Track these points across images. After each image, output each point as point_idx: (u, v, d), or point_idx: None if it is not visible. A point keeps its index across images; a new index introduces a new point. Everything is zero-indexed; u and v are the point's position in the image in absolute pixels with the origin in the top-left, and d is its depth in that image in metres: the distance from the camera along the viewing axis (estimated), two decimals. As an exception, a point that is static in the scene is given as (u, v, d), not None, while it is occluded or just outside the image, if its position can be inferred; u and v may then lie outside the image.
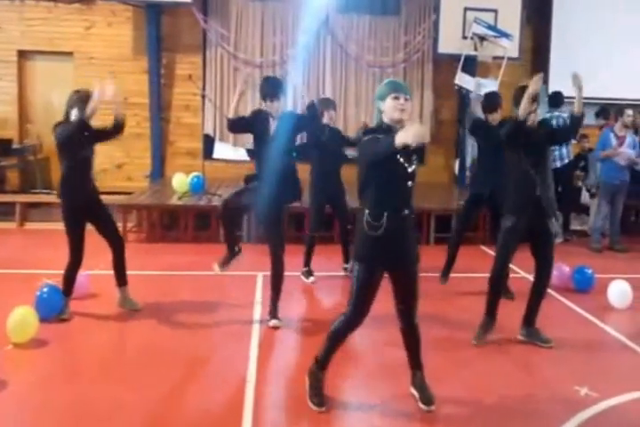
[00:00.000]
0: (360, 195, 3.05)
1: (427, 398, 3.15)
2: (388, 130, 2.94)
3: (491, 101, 5.23)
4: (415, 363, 3.25)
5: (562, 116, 7.82)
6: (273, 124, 4.29)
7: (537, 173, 3.95)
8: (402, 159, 2.94)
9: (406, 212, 3.01)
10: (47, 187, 8.27)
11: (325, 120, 5.42)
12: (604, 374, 3.68)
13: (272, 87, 4.28)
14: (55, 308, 4.16)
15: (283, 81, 4.45)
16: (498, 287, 4.14)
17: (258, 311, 4.64)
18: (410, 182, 3.01)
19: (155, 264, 5.59)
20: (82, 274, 4.50)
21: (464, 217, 5.48)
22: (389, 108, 2.96)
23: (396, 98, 2.94)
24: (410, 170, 2.99)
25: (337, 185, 5.50)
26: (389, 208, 2.96)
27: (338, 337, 3.16)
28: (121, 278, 4.47)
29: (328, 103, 5.56)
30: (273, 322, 4.26)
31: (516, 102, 3.99)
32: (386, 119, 3.00)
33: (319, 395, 3.14)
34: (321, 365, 3.20)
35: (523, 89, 4.03)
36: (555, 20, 9.21)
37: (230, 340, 4.07)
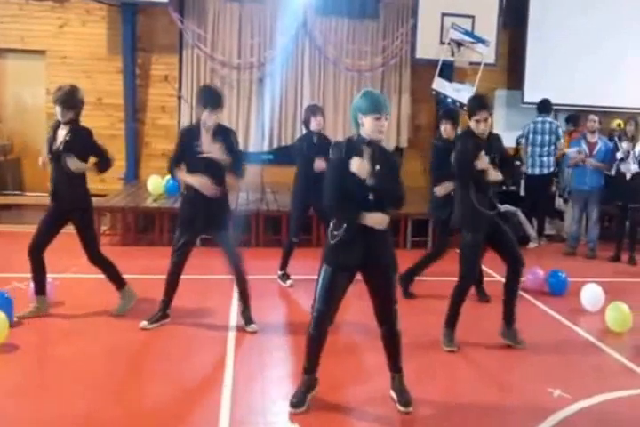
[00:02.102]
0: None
1: (405, 400, 3.23)
2: (364, 143, 3.08)
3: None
4: (394, 367, 3.32)
5: (554, 122, 8.04)
6: (205, 136, 4.15)
7: (486, 191, 4.07)
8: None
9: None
10: (18, 188, 8.18)
11: (313, 127, 5.45)
12: (577, 376, 3.79)
13: (212, 97, 4.19)
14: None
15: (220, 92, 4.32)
16: (462, 297, 4.19)
17: (235, 315, 4.66)
18: (370, 195, 3.09)
19: (129, 268, 5.55)
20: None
21: (439, 244, 5.45)
22: (370, 128, 3.06)
23: (378, 119, 3.04)
24: (369, 184, 3.07)
25: (322, 190, 5.46)
26: (347, 220, 3.09)
27: (309, 340, 3.24)
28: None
29: (315, 109, 5.58)
30: (252, 327, 4.32)
31: (470, 113, 4.06)
32: (364, 134, 3.09)
33: (298, 397, 3.19)
34: (305, 368, 3.26)
35: (475, 99, 4.22)
36: (530, 26, 9.39)
37: (207, 344, 4.09)
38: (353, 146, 3.10)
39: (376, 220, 3.06)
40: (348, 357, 3.97)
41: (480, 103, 4.06)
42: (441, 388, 3.57)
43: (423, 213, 7.51)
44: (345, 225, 3.09)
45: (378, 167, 3.08)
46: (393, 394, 3.30)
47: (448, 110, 5.81)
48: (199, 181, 4.08)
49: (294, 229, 5.62)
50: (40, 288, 4.38)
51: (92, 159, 4.37)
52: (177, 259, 4.31)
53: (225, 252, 4.27)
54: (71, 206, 4.28)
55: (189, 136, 4.16)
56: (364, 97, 3.09)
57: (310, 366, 3.25)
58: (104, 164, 4.40)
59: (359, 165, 3.00)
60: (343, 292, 3.18)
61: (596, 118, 7.31)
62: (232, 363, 3.77)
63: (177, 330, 4.30)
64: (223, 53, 8.89)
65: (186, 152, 4.12)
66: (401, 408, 3.21)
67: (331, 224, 3.17)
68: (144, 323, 4.28)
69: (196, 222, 4.19)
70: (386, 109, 3.07)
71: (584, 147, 7.29)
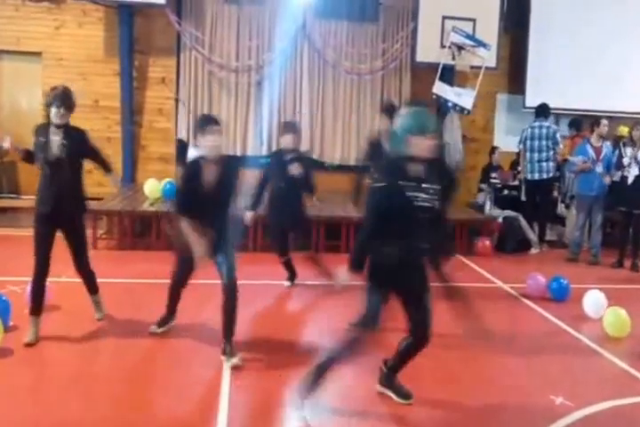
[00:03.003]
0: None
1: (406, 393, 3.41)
2: (409, 160, 3.10)
3: None
4: (397, 368, 3.41)
5: (551, 126, 8.08)
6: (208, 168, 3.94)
7: None
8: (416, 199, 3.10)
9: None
10: (14, 191, 8.19)
11: (283, 145, 5.40)
12: (579, 383, 3.81)
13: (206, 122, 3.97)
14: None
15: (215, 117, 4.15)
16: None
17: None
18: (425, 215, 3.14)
19: (125, 272, 5.59)
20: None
21: None
22: (418, 147, 3.07)
23: (427, 139, 3.07)
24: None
25: (296, 213, 5.42)
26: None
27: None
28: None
29: (286, 127, 5.57)
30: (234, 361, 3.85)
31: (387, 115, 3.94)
32: (410, 152, 3.09)
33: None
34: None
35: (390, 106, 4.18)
36: (532, 30, 9.44)
37: (202, 351, 4.09)
38: (401, 162, 3.13)
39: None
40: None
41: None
42: (442, 394, 3.59)
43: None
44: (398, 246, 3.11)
45: (425, 185, 3.10)
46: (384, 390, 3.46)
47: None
48: (197, 245, 3.82)
49: (279, 251, 5.63)
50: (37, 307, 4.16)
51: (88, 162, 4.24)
52: (180, 275, 4.25)
53: (223, 272, 3.98)
54: (73, 213, 4.14)
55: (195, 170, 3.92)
56: (413, 118, 3.12)
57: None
58: (107, 165, 4.34)
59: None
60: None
61: (606, 122, 7.36)
62: (229, 369, 3.78)
63: (172, 335, 4.31)
64: (221, 56, 8.92)
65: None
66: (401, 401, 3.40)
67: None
68: (153, 327, 4.31)
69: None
70: (435, 128, 3.15)
71: (590, 152, 7.32)
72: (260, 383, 3.63)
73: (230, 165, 4.01)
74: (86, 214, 4.39)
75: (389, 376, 3.46)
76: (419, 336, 3.26)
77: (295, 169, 5.23)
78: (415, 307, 3.23)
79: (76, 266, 4.32)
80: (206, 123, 3.88)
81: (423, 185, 3.10)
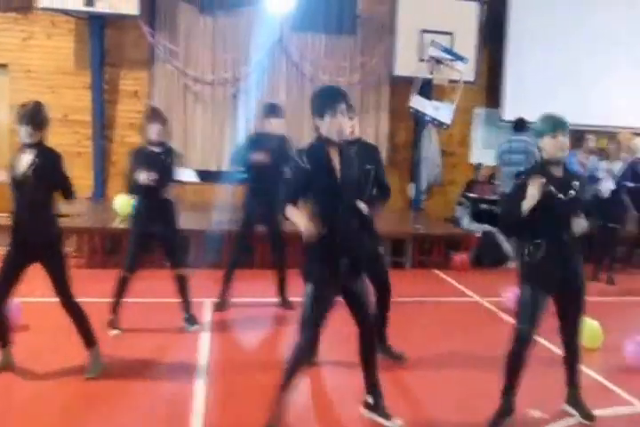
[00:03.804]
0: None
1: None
2: (548, 164, 3.37)
3: None
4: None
5: (528, 140, 8.26)
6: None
7: None
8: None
9: None
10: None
11: (268, 129, 5.31)
12: (555, 396, 3.88)
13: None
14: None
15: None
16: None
17: (206, 339, 4.72)
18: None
19: (96, 291, 5.57)
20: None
21: None
22: (551, 147, 3.33)
23: (554, 137, 3.32)
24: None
25: (273, 204, 5.30)
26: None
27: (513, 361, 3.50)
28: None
29: (271, 110, 5.40)
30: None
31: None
32: (546, 156, 3.38)
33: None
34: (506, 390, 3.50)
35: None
36: (509, 44, 9.67)
37: (175, 370, 4.13)
38: (538, 169, 3.41)
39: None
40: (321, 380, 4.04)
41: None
42: (415, 409, 3.66)
43: (402, 232, 7.74)
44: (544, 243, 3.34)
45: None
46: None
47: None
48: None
49: (236, 251, 5.61)
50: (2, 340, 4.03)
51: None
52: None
53: None
54: (38, 241, 3.83)
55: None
56: (541, 121, 3.40)
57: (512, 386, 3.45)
58: (70, 195, 3.98)
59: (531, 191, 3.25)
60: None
61: (594, 137, 7.57)
62: (203, 390, 3.82)
63: (145, 355, 4.34)
64: (196, 69, 9.00)
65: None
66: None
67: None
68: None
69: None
70: (567, 127, 3.35)
71: (578, 167, 7.51)
72: (235, 405, 3.67)
73: None
74: (59, 245, 3.98)
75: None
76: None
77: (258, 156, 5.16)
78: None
79: (61, 303, 3.96)
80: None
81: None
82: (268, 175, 5.14)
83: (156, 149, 4.78)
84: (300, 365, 3.23)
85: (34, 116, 3.80)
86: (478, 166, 9.12)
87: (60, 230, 3.98)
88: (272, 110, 5.38)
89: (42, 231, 3.84)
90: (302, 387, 3.51)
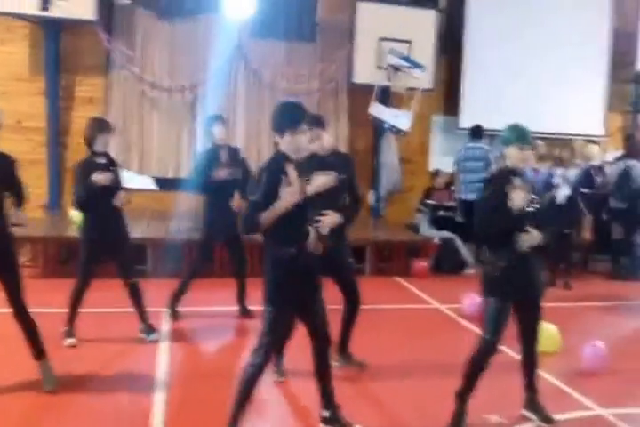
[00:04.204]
0: None
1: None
2: (511, 173, 3.48)
3: None
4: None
5: (484, 147, 8.43)
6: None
7: None
8: None
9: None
10: None
11: (217, 137, 5.45)
12: (514, 401, 3.96)
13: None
14: None
15: None
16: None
17: (165, 349, 4.67)
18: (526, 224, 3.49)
19: (51, 301, 5.48)
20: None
21: None
22: (516, 157, 3.49)
23: (522, 149, 3.47)
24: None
25: (233, 214, 5.32)
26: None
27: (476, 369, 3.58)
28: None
29: (217, 117, 5.59)
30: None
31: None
32: (510, 164, 3.54)
33: None
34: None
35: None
36: (466, 52, 9.80)
37: (134, 381, 4.08)
38: (504, 175, 3.52)
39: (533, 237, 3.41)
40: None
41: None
42: (376, 416, 3.68)
43: (361, 239, 7.78)
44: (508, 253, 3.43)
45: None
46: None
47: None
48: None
49: (198, 262, 5.66)
50: None
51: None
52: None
53: None
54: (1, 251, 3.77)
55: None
56: (508, 130, 3.53)
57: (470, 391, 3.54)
58: (21, 200, 3.97)
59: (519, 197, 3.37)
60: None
61: (542, 143, 7.73)
62: (163, 399, 3.77)
63: (103, 365, 4.27)
64: (153, 75, 8.91)
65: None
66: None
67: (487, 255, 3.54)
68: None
69: None
70: (530, 141, 3.52)
71: (530, 174, 7.66)
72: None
73: None
74: (14, 252, 3.92)
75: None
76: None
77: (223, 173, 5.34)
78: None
79: (13, 312, 3.87)
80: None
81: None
82: (228, 188, 5.35)
83: (103, 160, 4.79)
84: (252, 388, 3.20)
85: None
86: (436, 173, 9.25)
87: (13, 239, 3.90)
88: (215, 119, 5.55)
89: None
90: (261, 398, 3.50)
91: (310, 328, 3.37)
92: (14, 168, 3.88)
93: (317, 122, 4.05)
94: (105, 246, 4.78)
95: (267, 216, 3.04)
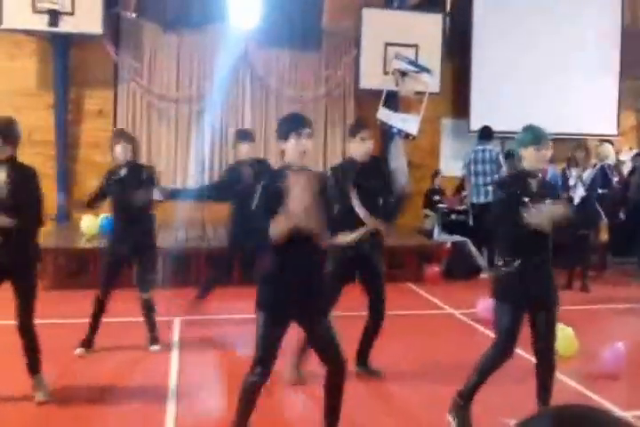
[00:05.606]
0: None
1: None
2: (527, 175, 3.47)
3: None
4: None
5: (494, 150, 8.35)
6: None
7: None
8: None
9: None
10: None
11: (243, 155, 5.53)
12: (531, 404, 3.88)
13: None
14: None
15: None
16: None
17: (175, 359, 4.63)
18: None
19: (63, 312, 5.50)
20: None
21: None
22: (534, 158, 3.47)
23: (538, 149, 3.44)
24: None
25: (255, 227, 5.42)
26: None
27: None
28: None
29: (244, 135, 5.68)
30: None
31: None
32: (526, 166, 3.51)
33: None
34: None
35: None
36: (474, 55, 9.80)
37: (146, 391, 4.05)
38: (520, 177, 3.51)
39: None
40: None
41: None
42: (392, 423, 3.62)
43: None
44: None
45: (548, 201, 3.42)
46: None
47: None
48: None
49: (220, 273, 5.78)
50: None
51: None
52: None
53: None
54: (18, 263, 3.70)
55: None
56: (525, 132, 3.51)
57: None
58: (33, 219, 3.74)
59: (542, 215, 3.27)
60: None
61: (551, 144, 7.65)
62: (174, 410, 3.74)
63: (114, 376, 4.25)
64: (161, 86, 9.00)
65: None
66: None
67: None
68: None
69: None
70: (547, 140, 3.49)
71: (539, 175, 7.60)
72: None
73: None
74: (36, 267, 3.88)
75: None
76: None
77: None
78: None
79: (18, 325, 3.82)
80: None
81: None
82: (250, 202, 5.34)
83: (125, 170, 4.79)
84: (253, 396, 3.12)
85: (5, 131, 3.69)
86: (435, 174, 9.20)
87: (38, 251, 3.87)
88: (242, 136, 5.65)
89: (24, 251, 3.70)
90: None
91: (320, 356, 3.19)
92: (37, 178, 3.73)
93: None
94: (125, 252, 4.73)
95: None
